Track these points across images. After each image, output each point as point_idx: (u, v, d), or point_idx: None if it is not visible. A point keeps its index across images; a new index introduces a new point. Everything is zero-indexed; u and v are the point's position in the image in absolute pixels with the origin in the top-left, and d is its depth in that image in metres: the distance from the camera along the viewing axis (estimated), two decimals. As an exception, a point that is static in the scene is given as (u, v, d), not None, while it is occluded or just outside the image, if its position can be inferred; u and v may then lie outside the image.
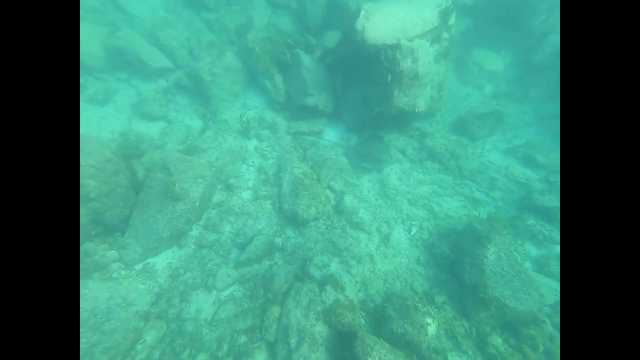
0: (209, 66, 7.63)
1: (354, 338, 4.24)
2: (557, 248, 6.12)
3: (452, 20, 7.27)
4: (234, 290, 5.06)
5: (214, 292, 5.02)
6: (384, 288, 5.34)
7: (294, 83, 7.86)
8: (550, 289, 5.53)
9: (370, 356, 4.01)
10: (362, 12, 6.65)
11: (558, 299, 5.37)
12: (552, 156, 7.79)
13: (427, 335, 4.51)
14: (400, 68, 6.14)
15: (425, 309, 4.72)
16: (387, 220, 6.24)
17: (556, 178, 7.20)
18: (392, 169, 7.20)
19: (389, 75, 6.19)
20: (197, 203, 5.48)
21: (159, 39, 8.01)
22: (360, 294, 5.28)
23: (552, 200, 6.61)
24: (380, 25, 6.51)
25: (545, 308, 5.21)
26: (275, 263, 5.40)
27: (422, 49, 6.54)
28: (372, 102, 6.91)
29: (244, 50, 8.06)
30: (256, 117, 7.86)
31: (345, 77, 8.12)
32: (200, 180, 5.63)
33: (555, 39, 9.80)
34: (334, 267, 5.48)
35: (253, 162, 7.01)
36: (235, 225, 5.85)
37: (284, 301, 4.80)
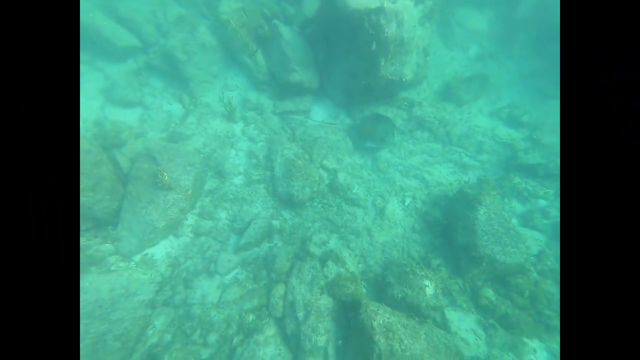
0: (182, 44, 6.99)
1: (358, 306, 4.42)
2: (541, 202, 6.37)
3: (435, -23, 6.81)
4: (237, 274, 5.11)
5: (217, 276, 5.06)
6: (383, 258, 5.51)
7: (276, 58, 7.36)
8: (534, 240, 5.82)
9: (374, 320, 4.21)
10: (341, -24, 6.11)
11: (542, 248, 5.67)
12: (534, 114, 7.85)
13: (425, 295, 4.74)
14: (386, 34, 5.79)
15: (422, 272, 4.92)
16: (381, 193, 6.27)
17: (539, 135, 7.31)
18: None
19: (374, 43, 5.85)
20: (190, 191, 5.33)
21: (118, 12, 7.14)
22: (360, 265, 5.43)
23: (536, 157, 6.77)
24: (361, -12, 6.01)
25: (531, 258, 5.51)
26: (275, 245, 5.43)
27: (407, 11, 6.15)
28: (358, 75, 6.61)
29: (218, 25, 7.36)
30: (240, 98, 7.44)
31: (328, 49, 7.65)
32: (189, 168, 5.43)
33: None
34: (333, 243, 5.56)
35: (242, 147, 6.76)
36: (230, 212, 5.77)
37: (288, 279, 4.90)
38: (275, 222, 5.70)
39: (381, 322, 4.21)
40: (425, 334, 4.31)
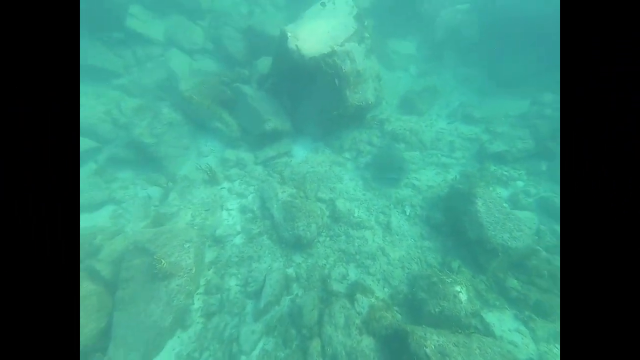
0: (148, 129, 6.81)
1: (404, 335, 3.96)
2: (519, 183, 6.66)
3: (367, 21, 7.63)
4: (264, 344, 4.39)
5: (243, 357, 4.28)
6: (405, 274, 5.18)
7: (245, 115, 7.42)
8: (530, 219, 5.94)
9: (426, 347, 3.77)
10: (289, 34, 6.56)
11: (537, 226, 5.77)
12: (482, 110, 8.57)
13: (461, 303, 4.44)
14: (344, 70, 6.15)
15: (450, 278, 4.66)
16: (381, 210, 6.13)
17: (493, 126, 7.91)
18: (367, 161, 7.15)
19: (336, 79, 6.15)
20: (194, 270, 4.69)
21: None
22: (386, 290, 5.02)
23: (500, 145, 7.23)
24: (310, 40, 6.48)
25: (535, 237, 5.56)
26: (296, 295, 4.87)
27: (354, 49, 6.67)
28: (327, 108, 6.81)
29: (181, 101, 7.38)
30: (217, 160, 7.22)
31: (291, 94, 7.92)
32: (188, 245, 4.84)
33: (443, 16, 11.01)
34: (353, 273, 5.15)
35: (232, 205, 6.35)
36: (240, 276, 5.15)
37: (321, 330, 4.32)
38: (290, 271, 5.18)
39: (433, 347, 3.78)
40: (478, 348, 3.92)
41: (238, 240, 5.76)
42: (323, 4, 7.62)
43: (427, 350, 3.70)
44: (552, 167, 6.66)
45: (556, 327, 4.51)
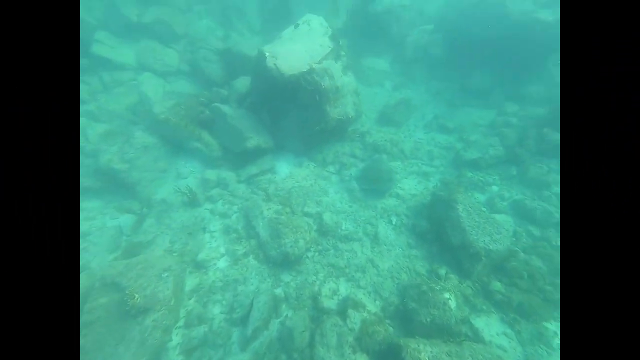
0: (119, 154, 6.52)
1: (398, 350, 3.88)
2: (494, 188, 7.01)
3: (341, 41, 8.00)
4: (254, 374, 4.11)
5: (231, 393, 3.96)
6: (395, 285, 5.15)
7: (226, 134, 7.34)
8: (507, 222, 6.21)
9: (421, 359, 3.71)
10: (267, 54, 6.70)
11: (514, 228, 6.02)
12: (455, 120, 9.08)
13: (451, 310, 4.46)
14: (323, 87, 6.31)
15: (439, 286, 4.69)
16: (368, 221, 6.15)
17: (466, 135, 8.37)
18: (351, 174, 7.24)
19: (317, 95, 6.30)
20: (172, 301, 4.36)
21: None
22: (377, 302, 4.95)
23: (473, 153, 7.63)
24: (289, 59, 6.64)
25: (513, 238, 5.79)
26: (286, 317, 4.66)
27: (332, 66, 6.92)
28: (309, 124, 6.91)
29: (156, 124, 7.18)
30: (197, 181, 7.00)
31: (271, 111, 7.98)
32: (166, 274, 4.53)
33: (412, 37, 11.83)
34: (344, 288, 5.04)
35: (215, 227, 6.10)
36: (225, 302, 4.87)
37: (313, 352, 4.12)
38: (278, 291, 4.98)
39: (427, 359, 3.73)
40: (470, 356, 3.92)
41: (222, 263, 5.50)
42: (296, 25, 7.91)
43: (422, 363, 3.64)
44: (521, 171, 7.08)
45: (539, 327, 4.64)
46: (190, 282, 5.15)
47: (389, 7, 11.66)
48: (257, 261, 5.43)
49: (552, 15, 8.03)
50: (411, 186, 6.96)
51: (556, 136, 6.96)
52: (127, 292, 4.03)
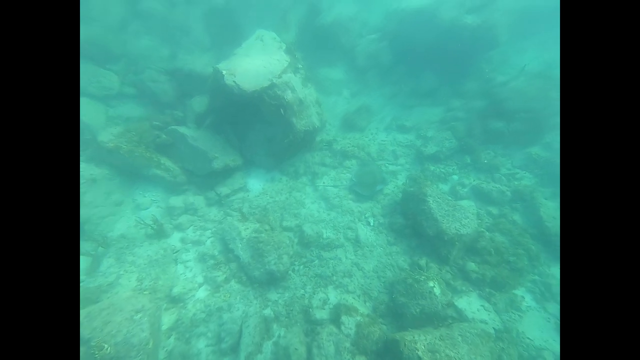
0: None
1: (395, 345, 4.01)
2: (454, 177, 7.71)
3: (297, 54, 8.28)
4: (253, 405, 3.89)
5: None
6: (382, 283, 5.32)
7: (188, 157, 7.01)
8: (470, 206, 6.85)
9: (417, 350, 3.87)
10: (224, 72, 6.62)
11: (476, 210, 6.65)
12: (412, 119, 9.84)
13: (437, 297, 4.74)
14: (287, 100, 6.42)
15: (422, 276, 4.97)
16: (347, 225, 6.29)
17: (423, 132, 9.11)
18: (324, 182, 7.37)
19: (282, 109, 6.37)
20: (150, 344, 3.96)
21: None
22: (368, 304, 5.06)
23: (432, 148, 8.32)
24: (248, 75, 6.63)
25: (478, 220, 6.39)
26: (279, 336, 4.52)
27: (292, 80, 7.08)
28: (277, 138, 6.93)
29: (104, 154, 6.61)
30: (162, 209, 6.54)
31: (236, 128, 7.86)
32: (139, 315, 4.11)
33: (361, 45, 12.68)
34: (333, 296, 5.06)
35: (188, 256, 5.73)
36: (210, 334, 4.56)
37: (313, 366, 4.06)
38: (267, 311, 4.82)
39: (423, 347, 3.91)
40: (459, 335, 4.22)
41: (201, 293, 5.16)
42: (254, 39, 8.00)
43: (419, 353, 3.80)
44: (474, 159, 7.90)
45: (510, 295, 5.18)
46: (168, 319, 4.73)
47: (335, 19, 12.36)
48: (241, 284, 5.21)
49: (476, 20, 9.28)
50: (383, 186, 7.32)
51: (497, 124, 7.95)
52: (93, 343, 3.56)
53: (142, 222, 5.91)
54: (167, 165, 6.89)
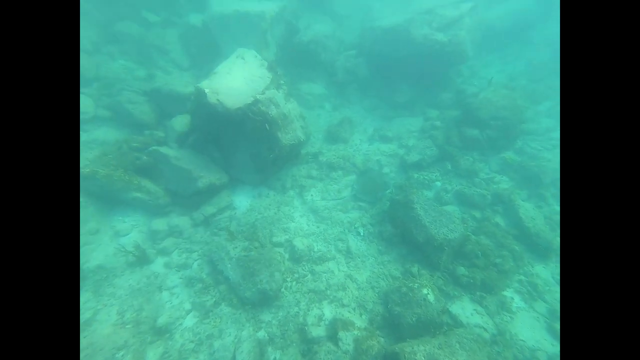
0: None
1: (395, 357, 3.96)
2: (437, 183, 7.99)
3: (278, 70, 8.46)
4: None
5: None
6: (376, 294, 5.30)
7: (171, 177, 6.80)
8: (455, 211, 7.10)
9: (417, 360, 3.84)
10: (207, 91, 6.62)
11: (461, 215, 6.91)
12: (393, 129, 10.20)
13: (431, 304, 4.78)
14: (271, 115, 6.48)
15: (416, 284, 5.01)
16: (338, 237, 6.28)
17: (405, 142, 9.46)
18: (312, 195, 7.37)
19: (266, 125, 6.41)
20: None
21: None
22: (364, 316, 5.00)
23: (415, 156, 8.62)
24: (231, 93, 6.67)
25: (463, 225, 6.61)
26: (275, 359, 4.32)
27: (275, 96, 7.19)
28: (263, 153, 6.91)
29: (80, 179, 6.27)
30: (144, 234, 6.22)
31: (220, 146, 7.77)
32: (121, 353, 3.82)
33: (339, 61, 13.22)
34: (329, 311, 4.95)
35: (174, 282, 5.43)
36: (201, 362, 4.29)
37: (313, 389, 3.89)
38: (261, 334, 4.61)
39: (423, 358, 3.89)
40: (457, 342, 4.25)
41: (189, 320, 4.87)
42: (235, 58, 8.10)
43: (420, 363, 3.77)
44: (454, 165, 8.27)
45: (500, 297, 5.33)
46: (153, 353, 4.39)
47: (313, 37, 12.87)
48: (231, 307, 4.98)
49: (445, 37, 10.01)
50: (370, 195, 7.44)
51: (472, 132, 8.44)
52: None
53: (122, 250, 5.57)
54: (149, 188, 6.62)
